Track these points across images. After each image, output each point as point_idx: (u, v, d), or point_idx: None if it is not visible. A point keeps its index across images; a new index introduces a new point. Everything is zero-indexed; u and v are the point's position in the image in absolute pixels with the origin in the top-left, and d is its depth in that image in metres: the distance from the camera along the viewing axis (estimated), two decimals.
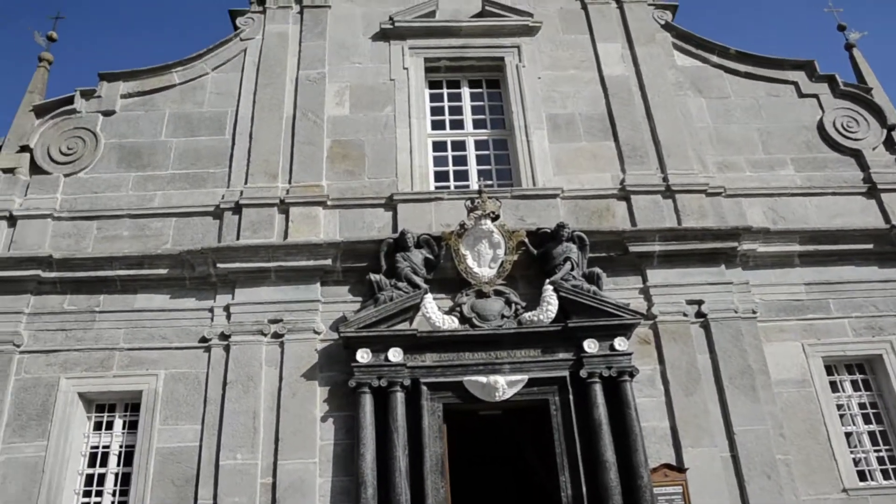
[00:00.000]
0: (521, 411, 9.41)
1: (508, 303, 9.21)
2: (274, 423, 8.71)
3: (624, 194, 10.25)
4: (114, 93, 11.21)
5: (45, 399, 9.09)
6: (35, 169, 10.67)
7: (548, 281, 9.12)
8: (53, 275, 9.60)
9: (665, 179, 10.34)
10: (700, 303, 9.48)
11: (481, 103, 11.32)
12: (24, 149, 10.79)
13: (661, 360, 9.25)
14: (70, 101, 11.18)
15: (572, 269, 9.22)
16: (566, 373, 8.83)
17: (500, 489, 11.70)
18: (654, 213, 10.08)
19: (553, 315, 8.98)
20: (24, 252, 9.71)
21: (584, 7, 12.10)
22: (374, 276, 9.10)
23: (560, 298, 9.02)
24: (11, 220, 10.21)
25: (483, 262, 9.33)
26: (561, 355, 8.92)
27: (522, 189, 10.14)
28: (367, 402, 8.52)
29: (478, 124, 11.10)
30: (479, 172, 10.60)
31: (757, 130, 11.11)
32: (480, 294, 9.22)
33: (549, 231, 9.45)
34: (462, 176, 10.61)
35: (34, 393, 9.14)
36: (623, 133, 10.76)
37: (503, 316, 9.11)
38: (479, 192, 9.56)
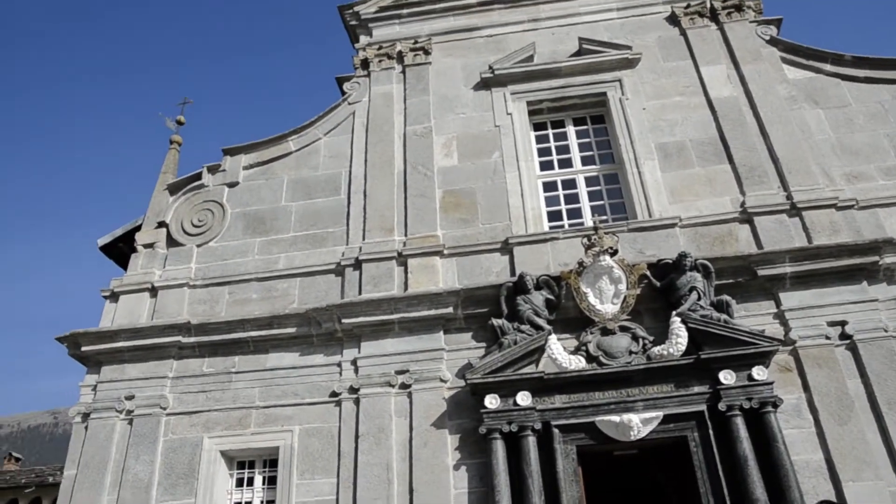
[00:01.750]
0: (657, 449, 8.96)
1: (635, 338, 8.88)
2: (407, 473, 8.67)
3: (746, 217, 9.78)
4: (236, 165, 11.84)
5: (191, 458, 9.46)
6: (171, 242, 11.36)
7: (675, 313, 8.75)
8: (192, 339, 10.08)
9: (789, 197, 9.80)
10: (843, 324, 8.81)
11: (587, 140, 11.19)
12: (161, 224, 11.54)
13: (806, 388, 8.61)
14: (199, 176, 11.91)
15: (699, 298, 8.82)
16: (703, 407, 8.36)
17: None
18: (780, 234, 9.54)
19: (683, 348, 8.58)
20: (166, 320, 10.26)
21: (683, 33, 11.85)
22: (496, 321, 9.02)
23: (689, 330, 8.61)
24: (153, 292, 10.87)
25: (605, 298, 9.07)
26: (696, 389, 8.47)
27: (638, 221, 9.86)
28: (499, 447, 8.35)
29: (586, 161, 10.96)
30: (593, 209, 10.42)
31: (886, 136, 10.39)
32: (605, 331, 8.95)
33: (670, 262, 9.11)
34: (575, 214, 10.46)
35: (181, 452, 9.54)
36: (738, 154, 10.33)
37: (631, 352, 8.78)
38: (595, 228, 9.37)
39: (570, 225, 10.33)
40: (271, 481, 9.35)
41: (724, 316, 8.75)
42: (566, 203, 10.59)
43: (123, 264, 11.81)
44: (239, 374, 9.83)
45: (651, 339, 8.84)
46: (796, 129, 10.46)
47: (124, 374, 10.17)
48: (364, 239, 10.37)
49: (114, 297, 11.01)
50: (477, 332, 9.33)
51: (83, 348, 10.38)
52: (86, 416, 10.03)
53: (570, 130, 11.27)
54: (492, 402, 8.52)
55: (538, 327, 8.91)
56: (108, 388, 10.11)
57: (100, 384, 10.21)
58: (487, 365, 8.65)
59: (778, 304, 9.09)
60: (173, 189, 11.90)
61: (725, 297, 8.91)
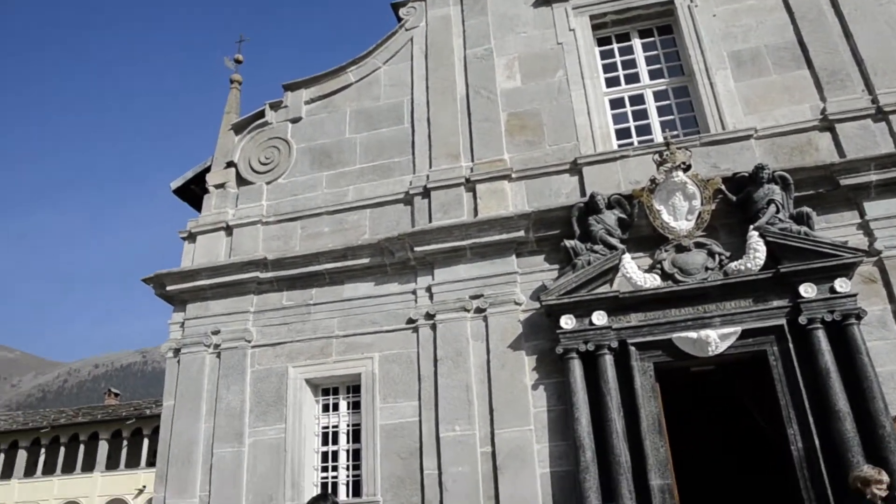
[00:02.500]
0: (735, 364, 8.89)
1: (711, 254, 8.70)
2: (486, 394, 8.86)
3: (826, 124, 9.31)
4: (298, 100, 11.87)
5: (278, 387, 9.88)
6: (241, 181, 11.58)
7: (752, 227, 8.50)
8: (270, 275, 10.38)
9: (875, 101, 9.26)
10: None
11: (655, 52, 10.74)
12: (230, 164, 11.75)
13: (892, 299, 8.33)
14: (262, 114, 12.00)
15: (777, 211, 8.53)
16: (783, 321, 8.20)
17: (717, 446, 11.18)
18: (865, 141, 9.07)
19: (762, 262, 8.37)
20: (243, 257, 10.56)
21: None
22: (568, 243, 8.95)
23: (768, 244, 8.38)
24: (228, 230, 11.17)
25: (679, 215, 8.87)
26: (775, 303, 8.30)
27: (711, 135, 9.52)
28: (576, 367, 8.42)
29: (654, 74, 10.55)
30: (662, 124, 10.09)
31: None
32: (680, 248, 8.79)
33: (746, 175, 8.80)
34: (644, 130, 10.15)
35: (268, 382, 9.96)
36: (818, 58, 9.76)
37: (707, 268, 8.63)
38: (667, 144, 9.09)
39: (640, 142, 10.05)
40: (355, 406, 9.71)
41: (803, 228, 8.47)
42: (635, 120, 10.28)
43: (197, 206, 12.12)
44: (317, 305, 10.10)
45: (727, 254, 8.65)
46: (885, 26, 9.78)
47: (208, 311, 10.59)
48: (431, 167, 10.34)
49: (191, 237, 11.37)
50: (549, 254, 9.29)
51: (168, 288, 10.83)
52: (177, 352, 10.54)
53: (636, 43, 10.83)
54: (567, 322, 8.55)
55: (611, 247, 8.82)
56: (195, 325, 10.56)
57: (187, 321, 10.66)
58: (562, 286, 8.65)
59: (862, 213, 8.73)
60: (238, 129, 12.04)
61: (805, 209, 8.60)
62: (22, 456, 40.60)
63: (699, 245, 8.76)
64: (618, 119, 10.33)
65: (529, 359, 8.89)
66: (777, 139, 9.37)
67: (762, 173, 8.65)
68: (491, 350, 9.02)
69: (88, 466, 39.26)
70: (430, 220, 9.88)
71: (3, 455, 41.23)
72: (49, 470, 40.20)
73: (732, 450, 10.98)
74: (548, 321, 8.82)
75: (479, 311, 9.25)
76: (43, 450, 40.56)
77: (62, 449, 39.97)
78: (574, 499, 8.04)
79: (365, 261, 9.93)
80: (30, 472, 40.51)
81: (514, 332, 9.02)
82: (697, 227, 8.81)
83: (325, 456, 9.72)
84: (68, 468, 39.61)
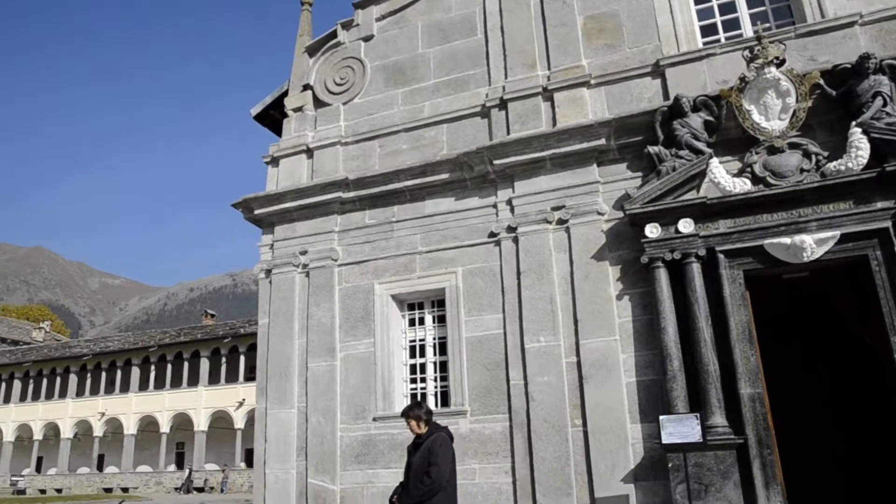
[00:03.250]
0: (831, 271, 8.49)
1: (807, 154, 8.19)
2: (570, 305, 8.83)
3: None
4: (369, 18, 11.64)
5: (365, 303, 10.14)
6: (318, 103, 11.59)
7: (854, 123, 7.91)
8: (352, 194, 10.49)
9: None
10: None
11: None
12: (306, 87, 11.75)
13: None
14: (334, 35, 11.86)
15: (884, 104, 7.88)
16: (888, 223, 7.71)
17: (808, 357, 10.85)
18: None
19: (865, 161, 7.82)
20: (325, 178, 10.69)
21: None
22: (652, 149, 8.61)
23: (872, 140, 7.79)
24: (309, 153, 11.28)
25: (771, 114, 8.35)
26: (879, 205, 7.78)
27: (809, 24, 8.80)
28: (662, 276, 8.24)
29: None
30: (753, 17, 9.38)
31: None
32: (772, 150, 8.31)
33: (849, 66, 8.13)
34: (732, 25, 9.47)
35: (356, 299, 10.23)
36: None
37: (802, 170, 8.15)
38: (758, 38, 8.47)
39: (728, 38, 9.40)
40: (441, 320, 9.88)
41: None
42: (721, 14, 9.59)
43: (278, 131, 12.26)
44: (399, 222, 10.19)
45: (825, 154, 8.13)
46: None
47: (295, 232, 10.86)
48: (506, 77, 10.04)
49: (274, 161, 11.56)
50: (632, 162, 8.98)
51: (256, 212, 11.13)
52: (268, 272, 10.91)
53: None
54: (652, 231, 8.32)
55: (697, 151, 8.42)
56: (283, 246, 10.87)
57: (276, 243, 10.98)
58: (646, 194, 8.38)
59: None
60: (311, 51, 11.97)
61: None
62: (136, 373, 43.89)
63: (793, 146, 8.26)
64: (703, 15, 9.67)
65: (613, 269, 8.75)
66: (885, 24, 8.57)
67: (868, 63, 7.97)
68: (574, 261, 8.92)
69: (193, 381, 42.10)
70: (508, 133, 9.68)
71: (119, 371, 44.62)
72: (159, 385, 43.37)
73: (824, 361, 10.64)
74: (632, 231, 8.61)
75: (561, 222, 9.11)
76: (152, 367, 43.69)
77: (169, 366, 42.94)
78: (660, 407, 8.02)
79: (444, 176, 9.87)
80: (143, 386, 43.82)
81: (598, 243, 8.86)
82: (792, 126, 8.28)
83: (412, 368, 10.00)
84: (176, 383, 42.62)
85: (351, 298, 10.25)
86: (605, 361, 8.47)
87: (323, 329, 10.21)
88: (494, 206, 9.58)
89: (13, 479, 45.26)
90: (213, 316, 54.11)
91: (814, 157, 8.15)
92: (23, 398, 48.13)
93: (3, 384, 49.23)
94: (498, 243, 9.42)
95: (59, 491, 42.46)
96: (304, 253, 10.65)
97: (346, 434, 9.76)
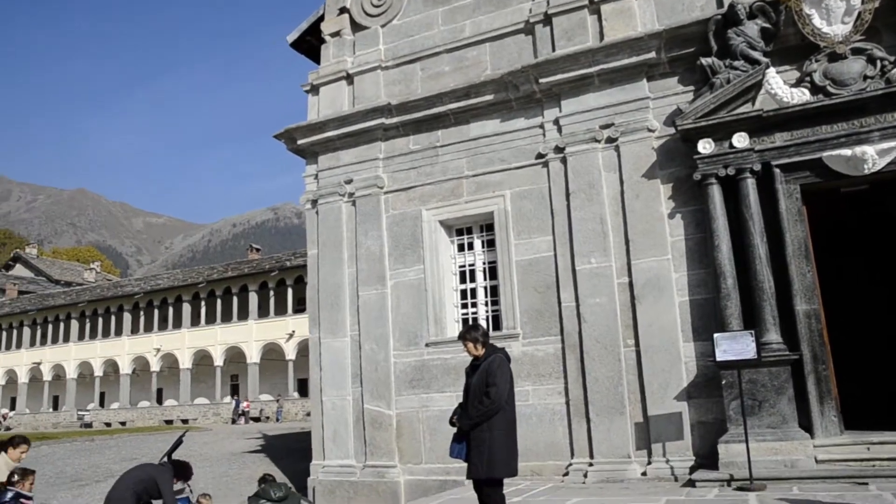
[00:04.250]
0: (894, 183, 8.35)
1: (871, 60, 7.95)
2: (621, 225, 8.90)
3: None
4: None
5: (413, 230, 10.37)
6: (356, 26, 11.58)
7: None
8: (395, 120, 10.58)
9: None
10: None
11: None
12: (343, 11, 11.71)
13: None
14: None
15: None
16: None
17: (867, 271, 10.76)
18: None
19: None
20: (366, 105, 10.78)
21: None
22: (704, 60, 8.45)
23: None
24: (349, 79, 11.35)
25: (833, 18, 8.09)
26: None
27: None
28: (716, 193, 8.23)
29: None
30: None
31: None
32: (834, 56, 8.09)
33: None
34: None
35: (403, 226, 10.47)
36: None
37: (866, 77, 7.93)
38: None
39: None
40: (490, 244, 10.07)
41: None
42: None
43: (316, 58, 12.30)
44: (444, 147, 10.29)
45: (892, 59, 7.88)
46: None
47: (339, 161, 11.06)
48: None
49: (314, 90, 11.67)
50: (683, 75, 8.85)
51: (298, 142, 11.33)
52: (314, 203, 11.19)
53: None
54: (705, 146, 8.26)
55: (753, 61, 8.25)
56: (328, 176, 11.10)
57: (320, 173, 11.22)
58: (698, 108, 8.29)
59: None
60: None
61: None
62: (187, 309, 45.57)
63: (857, 51, 8.02)
64: None
65: (665, 187, 8.76)
66: None
67: None
68: (624, 180, 8.94)
69: (243, 315, 43.52)
70: (554, 49, 9.58)
71: (171, 308, 46.39)
72: (211, 320, 44.97)
73: (884, 276, 10.53)
74: (684, 147, 8.56)
75: (611, 140, 9.09)
76: (203, 303, 45.22)
77: (219, 301, 44.38)
78: (714, 325, 8.15)
79: (489, 98, 9.88)
80: (195, 322, 45.53)
81: (648, 161, 8.85)
82: (856, 30, 8.02)
83: (463, 293, 10.27)
84: (226, 318, 44.13)
85: (399, 226, 10.49)
86: (657, 281, 8.59)
87: (372, 257, 10.50)
88: (541, 126, 9.58)
89: (79, 413, 48.09)
90: (258, 250, 55.36)
91: (879, 63, 7.92)
92: (81, 337, 50.59)
93: (62, 324, 51.75)
94: (546, 164, 9.47)
95: (122, 424, 44.99)
96: (349, 182, 10.87)
97: (399, 360, 10.15)
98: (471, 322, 10.06)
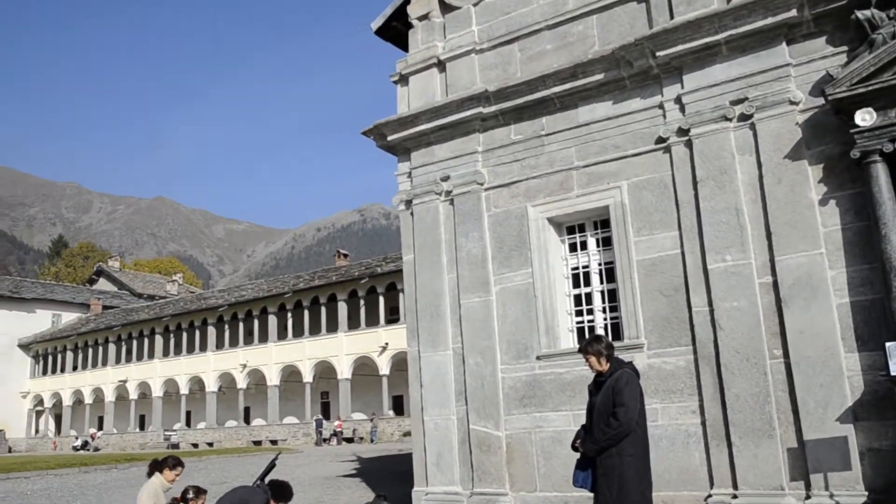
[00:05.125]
0: None
1: None
2: (761, 216, 8.45)
3: None
4: None
5: (519, 229, 10.22)
6: (445, 7, 11.53)
7: None
8: (493, 108, 10.47)
9: None
10: None
11: None
12: None
13: None
14: None
15: None
16: None
17: None
18: None
19: None
20: (461, 93, 10.71)
21: None
22: (861, 14, 7.85)
23: None
24: (440, 66, 11.33)
25: None
26: None
27: None
28: (881, 172, 7.64)
29: None
30: None
31: None
32: None
33: None
34: None
35: (507, 225, 10.34)
36: None
37: None
38: None
39: None
40: (606, 243, 9.81)
41: None
42: None
43: (403, 45, 12.33)
44: (549, 135, 10.10)
45: None
46: None
47: (434, 157, 11.05)
48: None
49: (403, 80, 11.72)
50: (833, 34, 8.29)
51: (389, 138, 11.40)
52: (408, 203, 11.23)
53: None
54: (865, 118, 7.70)
55: None
56: (423, 173, 11.12)
57: (413, 170, 11.25)
58: (855, 72, 7.71)
59: None
60: None
61: None
62: (272, 321, 47.11)
63: None
64: None
65: (814, 168, 8.24)
66: None
67: None
68: (763, 163, 8.48)
69: (332, 327, 44.59)
70: (672, 17, 9.21)
71: (256, 321, 48.05)
72: (298, 333, 46.32)
73: None
74: (836, 120, 8.02)
75: (745, 117, 8.65)
76: (289, 314, 46.61)
77: (306, 312, 45.65)
78: (883, 332, 7.56)
79: (598, 77, 9.62)
80: (282, 335, 47.02)
81: (792, 139, 8.36)
82: None
83: (577, 299, 10.05)
84: (314, 330, 45.32)
85: (502, 225, 10.37)
86: (808, 280, 8.09)
87: (474, 261, 10.43)
88: (660, 105, 9.23)
89: (165, 433, 50.62)
90: (345, 256, 56.62)
91: None
92: (165, 353, 53.25)
93: (146, 340, 54.64)
94: (667, 149, 9.12)
95: (210, 444, 47.00)
96: (445, 179, 10.84)
97: (507, 375, 10.03)
98: (586, 332, 9.84)
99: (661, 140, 9.19)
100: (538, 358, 9.82)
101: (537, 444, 9.66)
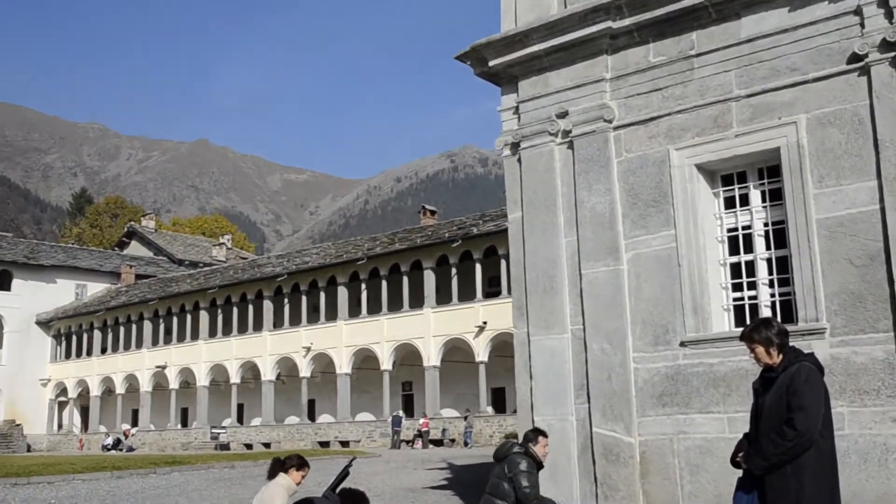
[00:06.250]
0: None
1: None
2: None
3: None
4: None
5: (658, 179, 10.11)
6: None
7: None
8: (627, 22, 10.35)
9: None
10: None
11: None
12: None
13: None
14: None
15: None
16: None
17: None
18: None
19: None
20: (585, 3, 10.57)
21: None
22: None
23: None
24: None
25: None
26: None
27: None
28: None
29: None
30: None
31: None
32: None
33: None
34: None
35: (643, 174, 10.24)
36: None
37: None
38: None
39: None
40: (774, 196, 9.64)
41: None
42: None
43: None
44: (701, 56, 9.96)
45: None
46: None
47: (548, 87, 11.03)
48: None
49: None
50: None
51: (490, 63, 11.45)
52: (515, 147, 11.27)
53: None
54: None
55: None
56: (533, 108, 11.15)
57: (521, 105, 11.29)
58: None
59: None
60: None
61: None
62: (342, 294, 47.88)
63: None
64: None
65: None
66: None
67: None
68: None
69: (416, 302, 44.94)
70: None
71: (322, 294, 48.90)
72: (374, 309, 46.95)
73: None
74: None
75: None
76: (363, 285, 47.20)
77: (384, 284, 46.16)
78: None
79: None
80: (353, 312, 47.81)
81: None
82: None
83: (735, 269, 9.95)
84: (394, 305, 45.79)
85: (636, 174, 10.29)
86: None
87: (599, 220, 10.39)
88: (856, 12, 8.92)
89: (213, 431, 52.58)
90: (433, 213, 57.05)
91: None
92: (212, 333, 55.06)
93: (189, 317, 56.59)
94: (865, 70, 8.86)
95: (266, 445, 48.71)
96: (563, 115, 10.80)
97: (641, 366, 10.03)
98: (749, 312, 9.71)
99: (855, 58, 8.93)
100: (682, 344, 9.76)
101: (681, 454, 9.63)
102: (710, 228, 10.01)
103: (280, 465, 7.96)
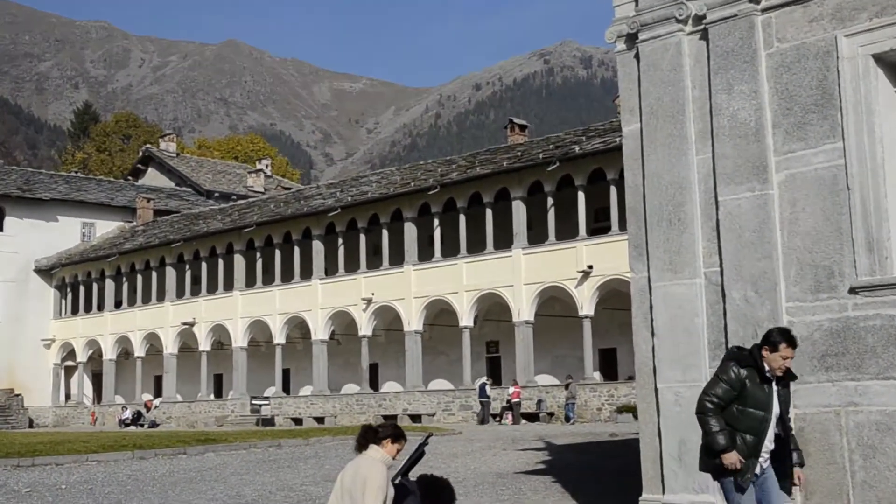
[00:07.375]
0: None
1: None
2: None
3: None
4: None
5: (821, 77, 9.87)
6: None
7: None
8: None
9: None
10: None
11: None
12: None
13: None
14: None
15: None
16: None
17: None
18: None
19: None
20: None
21: None
22: None
23: None
24: None
25: None
26: None
27: None
28: None
29: None
30: None
31: None
32: None
33: None
34: None
35: (801, 71, 10.01)
36: None
37: None
38: None
39: None
40: None
41: None
42: None
43: None
44: None
45: None
46: None
47: None
48: None
49: None
50: None
51: None
52: (631, 39, 11.11)
53: None
54: None
55: None
56: None
57: None
58: None
59: None
60: None
61: None
62: (409, 232, 47.86)
63: None
64: None
65: None
66: None
67: None
68: None
69: (502, 242, 44.73)
70: None
71: (385, 232, 48.92)
72: (450, 251, 46.87)
73: None
74: None
75: None
76: (435, 221, 46.99)
77: (461, 218, 45.98)
78: None
79: None
80: (424, 255, 47.87)
81: None
82: None
83: None
84: (475, 246, 45.66)
85: (791, 71, 10.09)
86: None
87: (742, 133, 10.23)
88: None
89: (253, 402, 53.39)
90: (522, 128, 56.72)
91: None
92: (250, 282, 55.77)
93: (221, 262, 57.32)
94: None
95: (319, 420, 49.48)
96: None
97: (797, 319, 9.92)
98: None
99: None
100: (853, 291, 9.60)
101: (850, 431, 9.54)
102: (892, 140, 9.77)
103: (373, 435, 7.88)
